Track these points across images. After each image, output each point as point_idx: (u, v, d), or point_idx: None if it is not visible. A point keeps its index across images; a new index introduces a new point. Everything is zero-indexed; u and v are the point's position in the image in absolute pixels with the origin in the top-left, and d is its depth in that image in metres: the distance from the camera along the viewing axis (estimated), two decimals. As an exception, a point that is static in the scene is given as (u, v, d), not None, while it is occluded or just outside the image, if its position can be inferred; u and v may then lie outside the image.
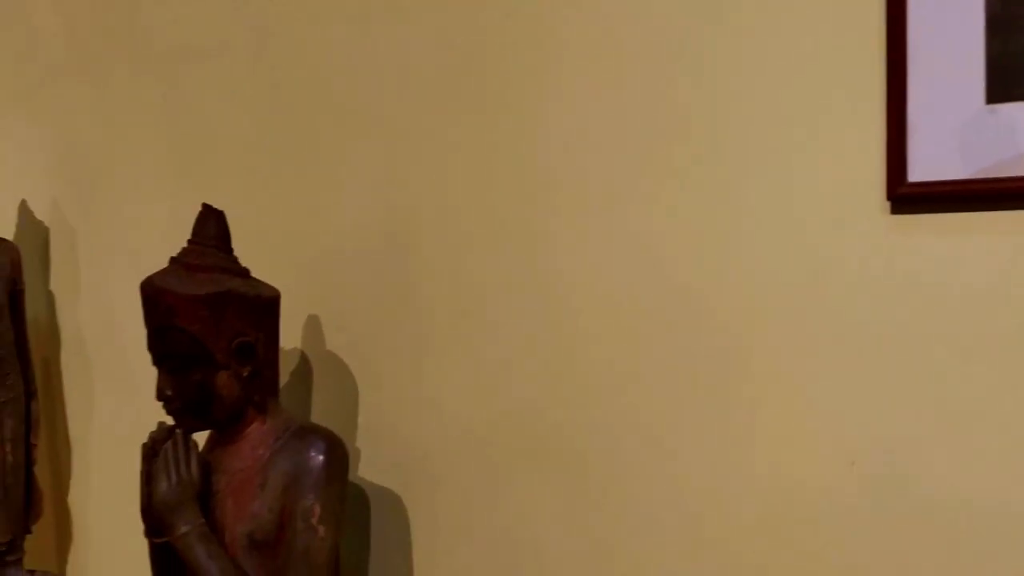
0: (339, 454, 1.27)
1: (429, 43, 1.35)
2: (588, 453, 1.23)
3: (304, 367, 1.53)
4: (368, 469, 1.45)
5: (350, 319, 1.47)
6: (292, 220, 1.54)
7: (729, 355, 1.11)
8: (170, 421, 1.30)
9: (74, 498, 2.05)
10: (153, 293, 1.24)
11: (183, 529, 1.24)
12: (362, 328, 1.46)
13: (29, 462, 1.87)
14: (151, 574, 1.35)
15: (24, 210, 2.05)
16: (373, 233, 1.43)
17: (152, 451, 1.27)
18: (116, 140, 1.87)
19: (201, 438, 1.35)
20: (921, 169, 0.96)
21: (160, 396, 1.27)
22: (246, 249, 1.37)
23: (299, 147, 1.53)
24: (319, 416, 1.51)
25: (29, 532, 1.90)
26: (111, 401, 1.94)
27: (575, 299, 1.23)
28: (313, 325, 1.52)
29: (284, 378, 1.51)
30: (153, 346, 1.27)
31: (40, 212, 2.04)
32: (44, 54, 1.98)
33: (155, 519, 1.26)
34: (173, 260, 1.29)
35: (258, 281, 1.31)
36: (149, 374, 1.66)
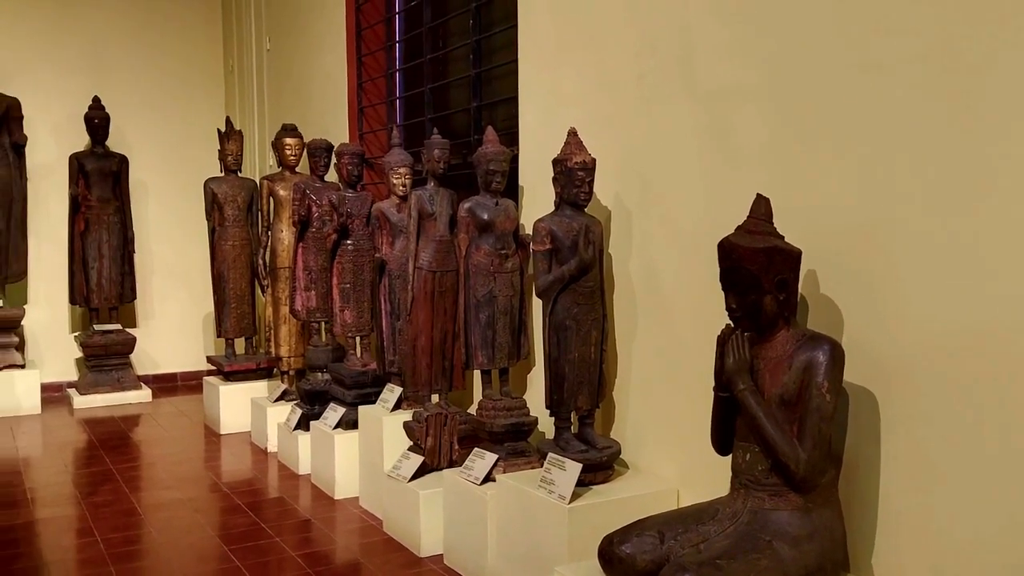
0: (840, 352, 2.03)
1: (908, 90, 2.02)
2: None
3: (805, 300, 2.30)
4: (849, 372, 2.17)
5: (835, 270, 2.20)
6: (791, 204, 2.31)
7: None
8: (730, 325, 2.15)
9: (619, 385, 3.05)
10: (729, 247, 2.09)
11: (741, 386, 2.09)
12: (844, 274, 2.18)
13: (602, 360, 2.89)
14: (712, 418, 2.22)
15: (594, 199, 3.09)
16: (850, 213, 2.15)
17: (723, 339, 2.14)
18: (663, 153, 2.80)
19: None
20: None
21: (728, 308, 2.12)
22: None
23: (797, 161, 2.29)
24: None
25: (598, 407, 2.94)
26: (649, 325, 2.90)
27: None
28: (811, 274, 2.27)
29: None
30: (725, 279, 2.12)
31: (605, 200, 3.07)
32: (616, 93, 2.99)
33: (724, 380, 2.12)
34: (739, 228, 2.13)
35: (789, 243, 2.11)
36: (679, 306, 2.61)
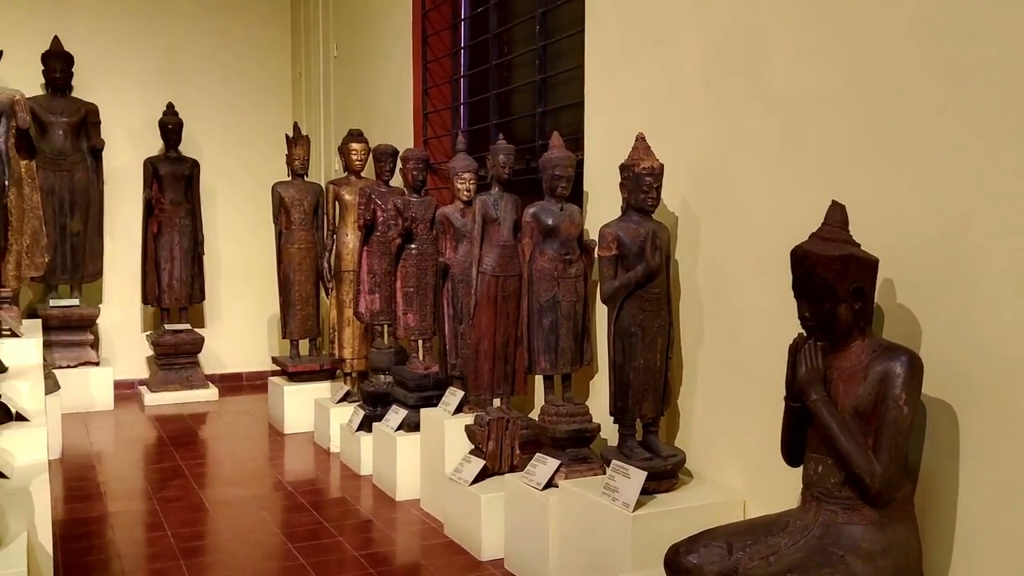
0: (919, 364, 1.97)
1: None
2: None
3: (881, 309, 2.24)
4: (926, 384, 2.11)
5: (913, 279, 2.14)
6: (867, 211, 2.25)
7: None
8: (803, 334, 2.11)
9: (684, 393, 3.01)
10: (802, 254, 2.05)
11: (814, 396, 2.04)
12: (922, 284, 2.12)
13: (667, 367, 2.86)
14: (783, 428, 2.18)
15: (661, 205, 3.06)
16: (928, 221, 2.08)
17: (795, 348, 2.09)
18: (733, 159, 2.76)
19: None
20: None
21: (800, 317, 2.08)
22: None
23: (874, 167, 2.24)
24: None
25: (663, 415, 2.90)
26: (716, 332, 2.86)
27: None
28: (887, 282, 2.22)
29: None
30: (798, 287, 2.07)
31: (672, 206, 3.04)
32: (684, 98, 2.96)
33: (796, 390, 2.08)
34: (813, 235, 2.08)
35: (865, 251, 2.05)
36: (747, 314, 2.56)
